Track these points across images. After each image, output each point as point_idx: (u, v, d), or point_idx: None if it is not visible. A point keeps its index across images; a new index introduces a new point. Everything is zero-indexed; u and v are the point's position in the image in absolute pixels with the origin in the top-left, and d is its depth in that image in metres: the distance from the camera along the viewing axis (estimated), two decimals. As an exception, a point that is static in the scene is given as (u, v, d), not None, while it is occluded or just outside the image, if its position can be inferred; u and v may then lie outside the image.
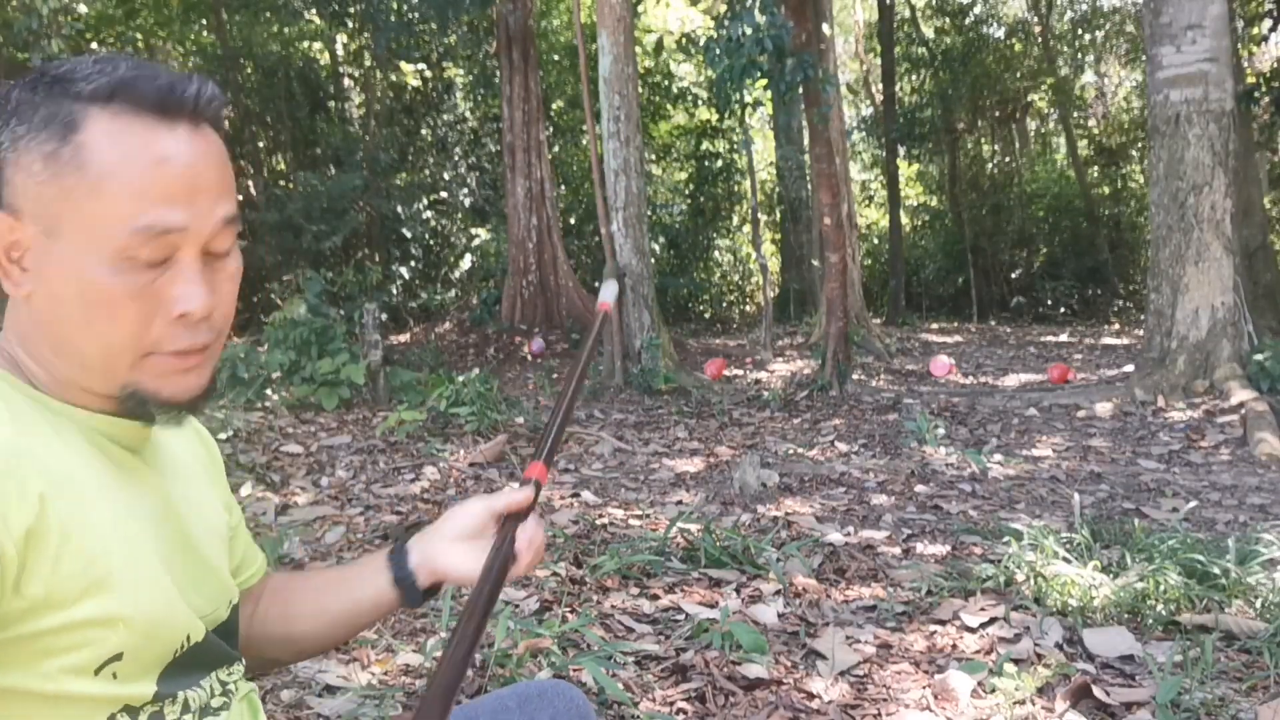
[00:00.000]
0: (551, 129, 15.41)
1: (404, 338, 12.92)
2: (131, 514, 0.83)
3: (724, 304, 18.22)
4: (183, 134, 0.80)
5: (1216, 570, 2.71)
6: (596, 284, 12.44)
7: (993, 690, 2.16)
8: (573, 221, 15.86)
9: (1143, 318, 8.31)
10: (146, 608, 0.81)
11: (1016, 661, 2.31)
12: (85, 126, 0.78)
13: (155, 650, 0.83)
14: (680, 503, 4.16)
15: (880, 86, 18.65)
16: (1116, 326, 14.36)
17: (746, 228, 17.53)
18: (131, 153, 0.78)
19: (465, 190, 16.18)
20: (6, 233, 0.80)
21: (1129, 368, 8.08)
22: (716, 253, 18.22)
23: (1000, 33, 18.29)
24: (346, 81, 16.24)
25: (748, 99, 8.35)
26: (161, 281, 0.80)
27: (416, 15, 12.31)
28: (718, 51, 7.30)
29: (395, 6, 12.38)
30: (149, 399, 0.83)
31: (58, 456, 0.78)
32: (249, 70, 14.37)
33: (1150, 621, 2.53)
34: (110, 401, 0.85)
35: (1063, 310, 16.75)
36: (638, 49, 12.05)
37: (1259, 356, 6.33)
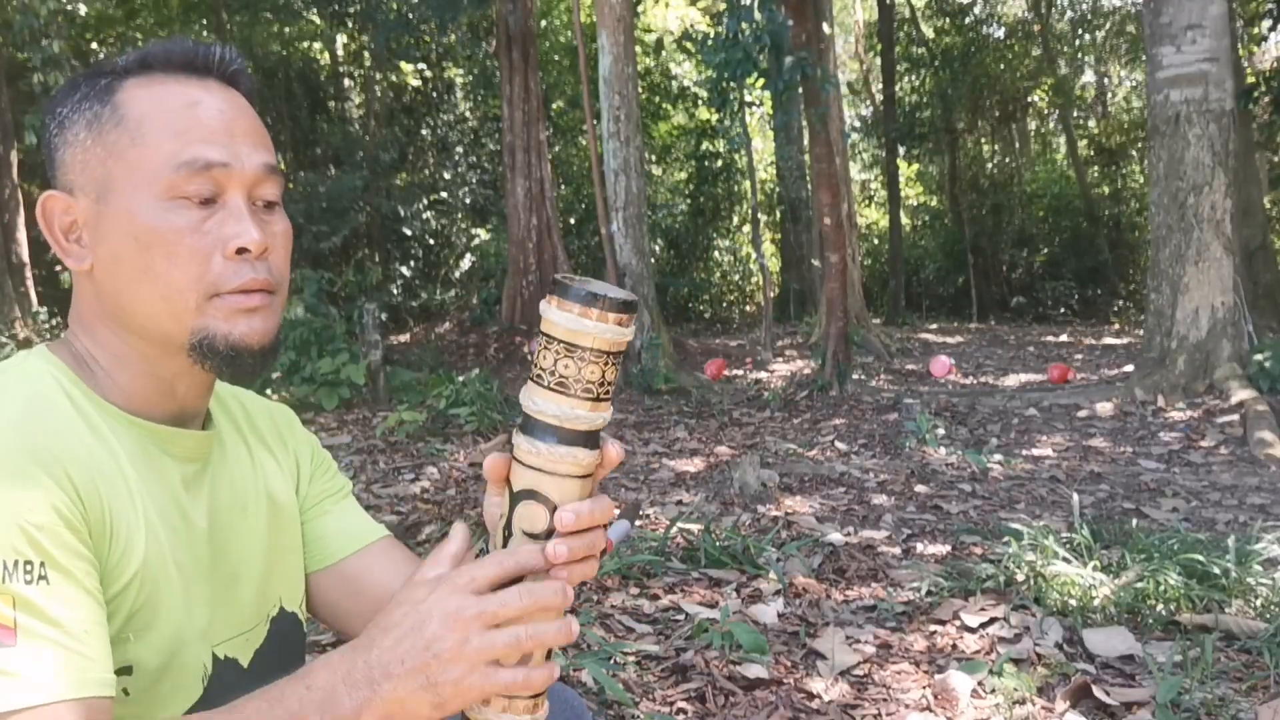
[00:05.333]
0: (551, 129, 15.40)
1: (404, 338, 12.92)
2: (165, 527, 0.83)
3: (724, 304, 18.22)
4: (214, 87, 0.86)
5: (1216, 570, 2.71)
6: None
7: (993, 690, 2.16)
8: (573, 221, 15.85)
9: (1143, 318, 8.30)
10: (165, 624, 0.81)
11: (1016, 661, 2.31)
12: (121, 90, 0.83)
13: (170, 677, 0.82)
14: (680, 503, 4.16)
15: (880, 86, 18.65)
16: (1116, 326, 14.36)
17: (746, 228, 17.52)
18: (167, 100, 0.83)
19: (465, 190, 16.17)
20: (63, 213, 0.84)
21: (1129, 368, 8.08)
22: (716, 253, 18.21)
23: (1000, 33, 18.29)
24: (346, 81, 16.25)
25: (748, 98, 8.34)
26: (213, 221, 0.82)
27: (416, 15, 12.30)
28: (714, 47, 7.31)
29: (395, 6, 12.38)
30: (219, 341, 0.82)
31: (97, 454, 0.78)
32: (249, 70, 14.38)
33: (1150, 621, 2.53)
34: (183, 363, 0.84)
35: (1063, 310, 16.74)
36: (638, 49, 12.04)
37: (1259, 356, 6.33)
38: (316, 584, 1.02)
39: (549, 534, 0.73)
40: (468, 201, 16.19)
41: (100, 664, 0.70)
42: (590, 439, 0.73)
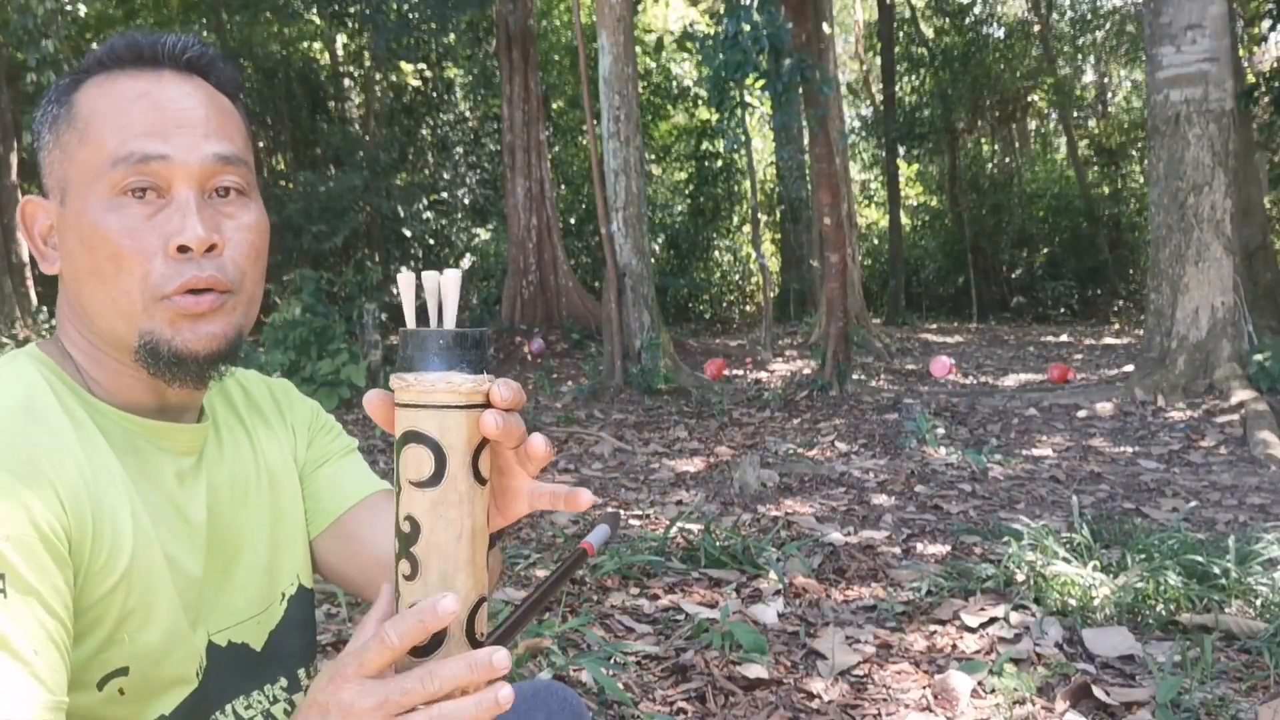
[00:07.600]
0: (551, 129, 15.41)
1: (404, 338, 12.89)
2: (157, 524, 0.82)
3: (724, 304, 18.23)
4: (167, 78, 0.82)
5: (1216, 570, 2.71)
6: (597, 284, 12.46)
7: (993, 690, 2.16)
8: (573, 221, 15.86)
9: (1143, 318, 8.30)
10: (161, 620, 0.80)
11: (1016, 661, 2.30)
12: (78, 90, 0.82)
13: (165, 673, 0.82)
14: (680, 503, 4.16)
15: (880, 86, 18.65)
16: (1116, 326, 14.36)
17: (746, 228, 17.53)
18: (112, 96, 0.80)
19: (465, 190, 16.18)
20: (43, 218, 0.84)
21: (1129, 368, 8.08)
22: (716, 253, 18.22)
23: (1000, 33, 18.30)
24: (346, 81, 16.25)
25: (747, 98, 8.34)
26: (159, 219, 0.79)
27: (416, 15, 12.31)
28: (714, 48, 7.31)
29: (395, 6, 12.38)
30: (161, 347, 0.79)
31: (83, 458, 0.77)
32: (249, 70, 14.38)
33: (1150, 621, 2.53)
34: (138, 368, 0.81)
35: (1063, 310, 16.76)
36: (638, 49, 12.04)
37: (1259, 356, 6.33)
38: (318, 547, 1.00)
39: (437, 478, 0.63)
40: (467, 201, 16.20)
41: (46, 687, 0.66)
42: (469, 361, 0.64)
